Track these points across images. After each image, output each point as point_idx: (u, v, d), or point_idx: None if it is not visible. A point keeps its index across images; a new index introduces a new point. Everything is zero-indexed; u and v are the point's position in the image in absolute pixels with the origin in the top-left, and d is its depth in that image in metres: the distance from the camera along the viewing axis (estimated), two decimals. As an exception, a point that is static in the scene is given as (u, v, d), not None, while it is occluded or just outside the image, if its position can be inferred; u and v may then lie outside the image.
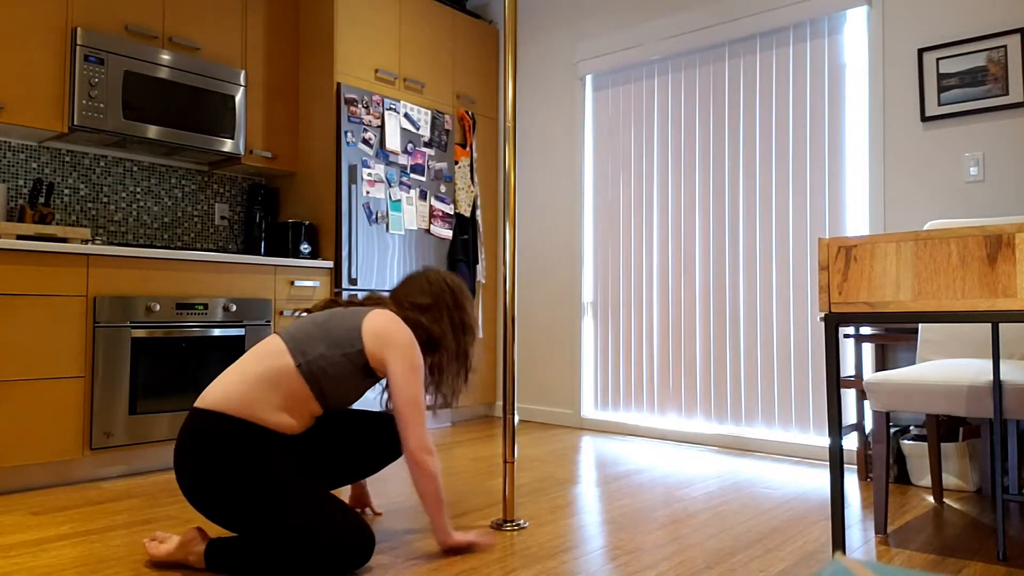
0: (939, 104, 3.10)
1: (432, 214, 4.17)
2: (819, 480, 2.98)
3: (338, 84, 3.78)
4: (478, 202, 4.47)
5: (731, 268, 3.72)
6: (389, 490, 2.77)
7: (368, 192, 3.85)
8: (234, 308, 3.32)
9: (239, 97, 3.66)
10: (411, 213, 4.06)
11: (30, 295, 2.75)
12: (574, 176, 4.35)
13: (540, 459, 3.36)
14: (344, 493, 2.74)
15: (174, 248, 3.67)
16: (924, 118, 3.13)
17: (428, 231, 4.15)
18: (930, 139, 3.13)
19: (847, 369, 3.28)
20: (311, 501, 1.87)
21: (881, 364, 3.15)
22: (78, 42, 3.13)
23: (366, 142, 3.85)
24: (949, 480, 2.82)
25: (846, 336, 3.08)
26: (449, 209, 4.27)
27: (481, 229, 4.48)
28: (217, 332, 3.26)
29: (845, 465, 3.08)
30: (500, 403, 4.65)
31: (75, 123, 3.12)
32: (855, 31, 3.37)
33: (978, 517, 2.45)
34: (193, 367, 3.19)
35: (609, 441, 3.83)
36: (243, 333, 3.35)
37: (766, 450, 3.54)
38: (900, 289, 1.75)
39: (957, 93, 3.05)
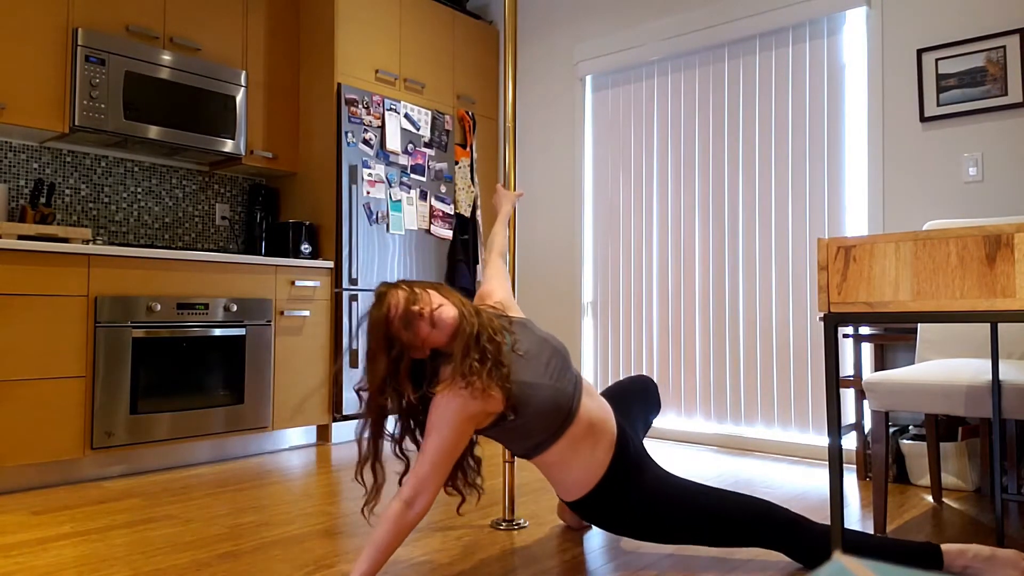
0: (938, 104, 3.10)
1: (432, 214, 4.18)
2: (818, 479, 2.98)
3: (338, 84, 3.79)
4: (478, 202, 4.47)
5: (731, 268, 3.72)
6: (389, 492, 2.77)
7: (368, 192, 3.86)
8: (235, 308, 3.32)
9: (240, 97, 3.66)
10: (411, 213, 4.07)
11: (31, 295, 2.76)
12: (574, 176, 4.35)
13: (540, 459, 3.36)
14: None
15: (175, 248, 3.68)
16: (923, 118, 3.14)
17: (428, 231, 4.16)
18: (929, 139, 3.14)
19: (846, 369, 3.29)
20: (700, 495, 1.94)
21: (880, 364, 3.16)
22: (79, 43, 3.14)
23: (366, 142, 3.86)
24: (948, 479, 2.83)
25: (845, 336, 3.08)
26: (449, 209, 4.28)
27: (481, 229, 4.48)
28: (218, 332, 3.27)
29: (844, 464, 3.08)
30: (500, 403, 4.64)
31: (76, 123, 3.13)
32: (854, 32, 3.37)
33: (977, 516, 2.45)
34: (194, 367, 3.20)
35: (609, 441, 3.83)
36: (244, 333, 3.36)
37: (766, 449, 3.54)
38: (899, 289, 1.75)
39: (956, 94, 3.06)
